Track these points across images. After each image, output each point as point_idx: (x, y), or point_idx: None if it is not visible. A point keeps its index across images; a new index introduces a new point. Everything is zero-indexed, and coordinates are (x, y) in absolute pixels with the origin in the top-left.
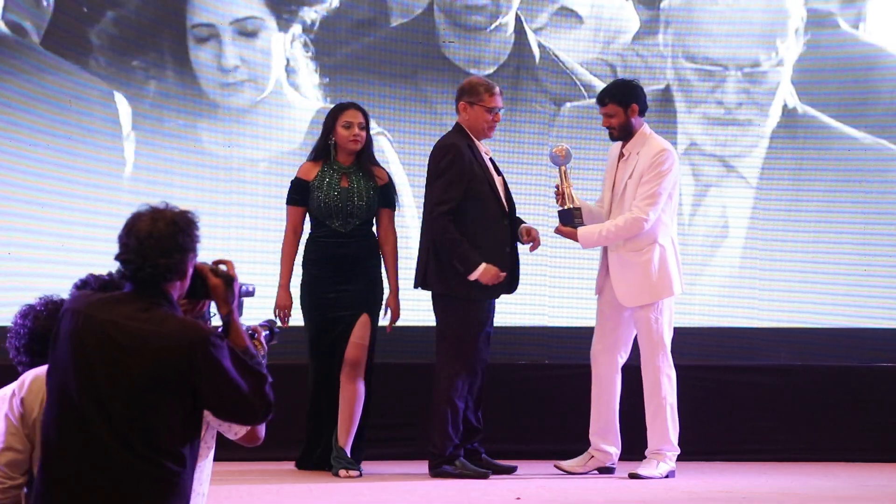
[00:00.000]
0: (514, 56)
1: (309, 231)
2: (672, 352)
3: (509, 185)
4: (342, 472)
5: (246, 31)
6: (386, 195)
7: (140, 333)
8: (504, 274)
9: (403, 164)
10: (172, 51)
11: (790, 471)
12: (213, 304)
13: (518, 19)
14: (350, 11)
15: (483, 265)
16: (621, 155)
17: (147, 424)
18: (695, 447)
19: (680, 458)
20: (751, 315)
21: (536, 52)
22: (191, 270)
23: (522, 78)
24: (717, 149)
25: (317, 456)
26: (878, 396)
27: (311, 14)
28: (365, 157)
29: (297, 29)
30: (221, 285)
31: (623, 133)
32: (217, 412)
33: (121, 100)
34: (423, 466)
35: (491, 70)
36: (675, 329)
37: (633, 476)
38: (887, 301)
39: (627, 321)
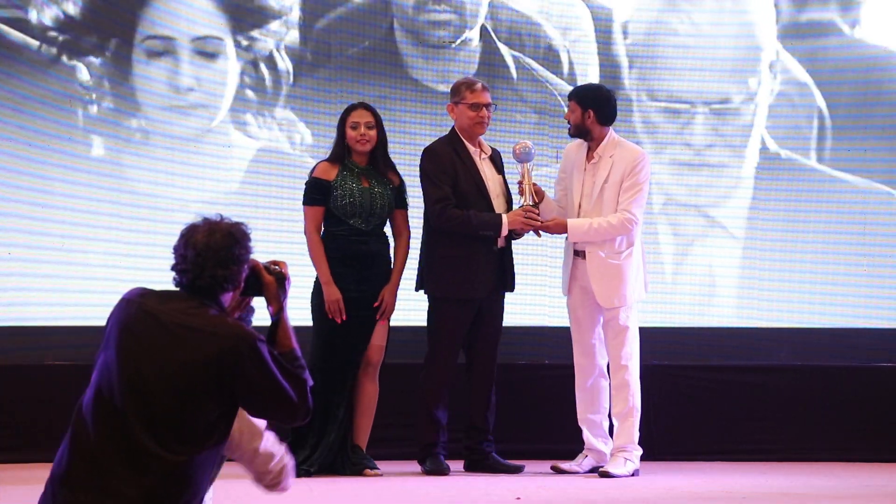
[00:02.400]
0: (483, 69)
1: (324, 228)
2: (673, 353)
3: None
4: (368, 472)
5: (205, 50)
6: (400, 196)
7: (189, 326)
8: (534, 208)
9: None
10: (113, 63)
11: (790, 471)
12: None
13: (484, 31)
14: (308, 44)
15: (504, 219)
16: (590, 157)
17: (181, 417)
18: (695, 447)
19: (680, 458)
20: (751, 315)
21: (511, 63)
22: (243, 280)
23: (497, 89)
24: (692, 197)
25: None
26: (878, 396)
27: (269, 44)
28: (380, 157)
29: (253, 57)
30: (274, 283)
31: (577, 133)
32: (257, 410)
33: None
34: (419, 466)
35: None
36: (677, 330)
37: (603, 474)
38: (887, 301)
39: (600, 321)
